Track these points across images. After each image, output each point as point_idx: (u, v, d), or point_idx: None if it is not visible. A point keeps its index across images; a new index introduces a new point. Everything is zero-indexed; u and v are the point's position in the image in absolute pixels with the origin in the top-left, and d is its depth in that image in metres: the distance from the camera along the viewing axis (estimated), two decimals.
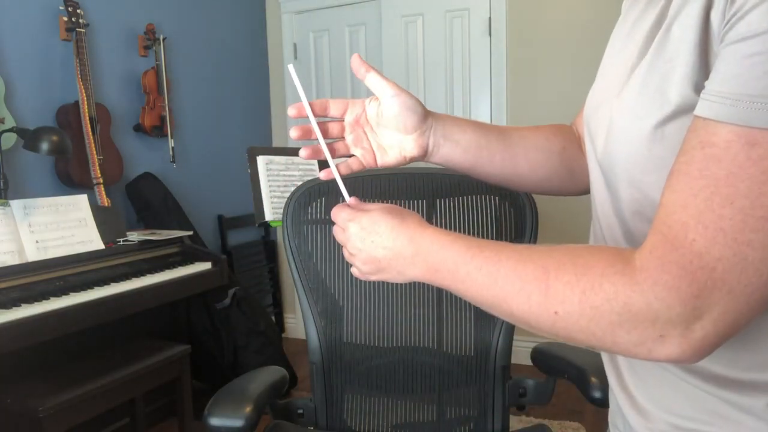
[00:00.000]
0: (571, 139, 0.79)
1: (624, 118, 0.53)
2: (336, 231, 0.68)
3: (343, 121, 0.71)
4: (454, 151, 0.72)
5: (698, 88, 0.46)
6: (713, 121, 0.43)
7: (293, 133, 0.66)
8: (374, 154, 0.71)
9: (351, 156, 0.72)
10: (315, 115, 0.69)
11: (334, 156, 0.70)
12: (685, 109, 0.47)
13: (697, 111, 0.44)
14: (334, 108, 0.70)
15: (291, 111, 0.67)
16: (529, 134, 0.77)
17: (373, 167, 0.72)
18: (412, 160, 0.71)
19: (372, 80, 0.67)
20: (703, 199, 0.43)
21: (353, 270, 0.67)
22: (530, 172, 0.76)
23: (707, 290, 0.42)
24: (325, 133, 0.70)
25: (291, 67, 0.66)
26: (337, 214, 0.67)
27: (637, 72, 0.53)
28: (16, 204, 1.84)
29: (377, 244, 0.62)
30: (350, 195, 0.70)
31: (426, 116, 0.69)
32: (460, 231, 1.22)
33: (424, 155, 0.71)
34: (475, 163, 0.73)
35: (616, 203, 0.58)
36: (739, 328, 0.44)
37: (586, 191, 0.80)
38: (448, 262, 0.57)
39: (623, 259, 0.46)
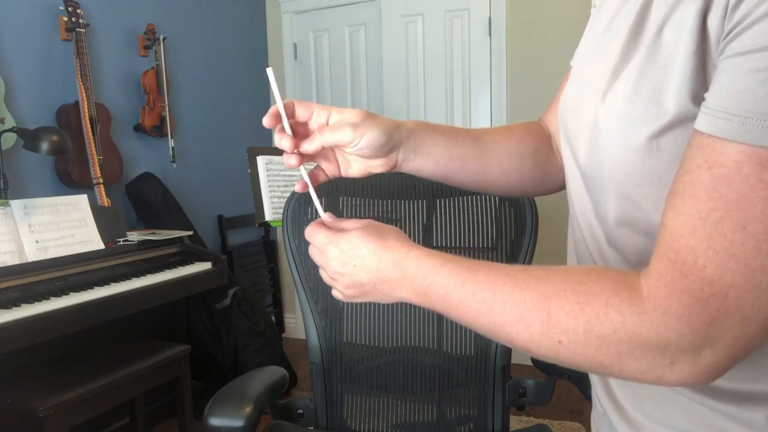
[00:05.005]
0: (542, 140, 0.77)
1: (613, 127, 0.50)
2: (313, 253, 0.64)
3: (307, 124, 0.66)
4: (425, 163, 0.69)
5: (697, 97, 0.44)
6: (720, 138, 0.40)
7: (285, 143, 0.62)
8: (338, 165, 0.68)
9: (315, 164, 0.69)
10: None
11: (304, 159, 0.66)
12: (682, 120, 0.45)
13: (700, 126, 0.42)
14: (299, 111, 0.65)
15: (266, 121, 0.62)
16: (501, 139, 0.74)
17: (338, 177, 0.69)
18: (378, 173, 0.68)
19: (328, 139, 0.62)
20: (713, 222, 0.40)
21: (335, 293, 0.63)
22: (503, 177, 0.74)
23: (720, 318, 0.41)
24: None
25: (270, 71, 0.62)
26: (313, 235, 0.63)
27: (625, 76, 0.50)
28: (16, 204, 1.84)
29: (360, 267, 0.59)
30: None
31: (393, 136, 0.65)
32: (460, 231, 1.22)
33: (391, 169, 0.68)
34: (446, 174, 0.71)
35: (600, 210, 0.56)
36: (751, 351, 0.43)
37: (558, 190, 0.78)
38: (438, 287, 0.54)
39: (628, 287, 0.44)
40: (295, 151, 0.63)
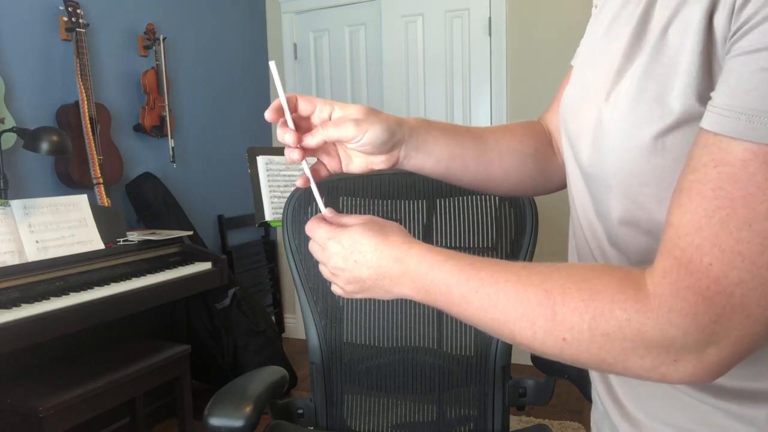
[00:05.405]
0: (543, 139, 0.77)
1: (618, 127, 0.51)
2: (314, 248, 0.63)
3: (309, 118, 0.66)
4: (426, 161, 0.69)
5: (702, 97, 0.44)
6: (726, 137, 0.41)
7: (288, 137, 0.62)
8: (340, 160, 0.68)
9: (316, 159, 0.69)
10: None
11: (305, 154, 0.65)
12: (687, 119, 0.45)
13: (707, 125, 0.42)
14: (302, 105, 0.65)
15: (268, 115, 0.62)
16: (502, 138, 0.74)
17: (339, 172, 0.69)
18: (380, 169, 0.68)
19: (331, 134, 0.63)
20: (719, 220, 0.41)
21: (335, 288, 0.63)
22: (504, 177, 0.74)
23: (725, 315, 0.41)
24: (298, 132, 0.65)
25: (272, 64, 0.62)
26: (314, 230, 0.62)
27: (629, 76, 0.50)
28: (16, 204, 1.84)
29: (360, 263, 0.58)
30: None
31: (395, 132, 0.65)
32: (460, 231, 1.22)
33: (393, 166, 0.68)
34: (447, 172, 0.71)
35: (602, 209, 0.56)
36: (755, 348, 0.43)
37: (557, 189, 0.78)
38: (440, 283, 0.53)
39: (633, 284, 0.44)
40: (298, 145, 0.63)
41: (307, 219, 1.21)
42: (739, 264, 0.40)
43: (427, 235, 1.23)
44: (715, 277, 0.41)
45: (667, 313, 0.42)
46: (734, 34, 0.41)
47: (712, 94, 0.43)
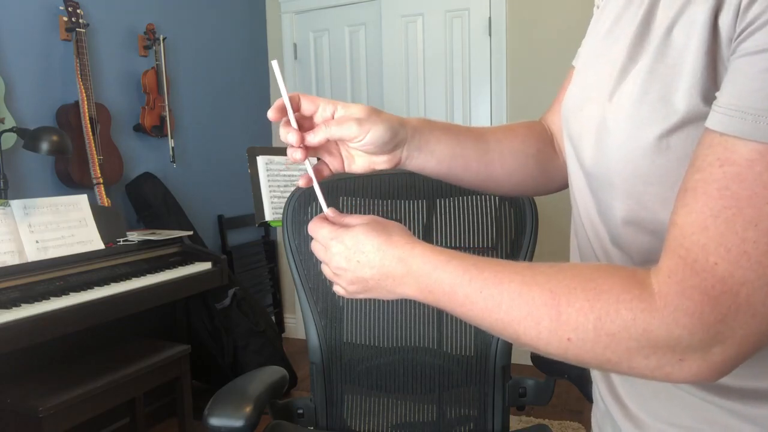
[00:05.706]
0: (545, 140, 0.77)
1: (621, 128, 0.51)
2: (316, 248, 0.63)
3: (312, 118, 0.65)
4: (428, 161, 0.69)
5: (707, 97, 0.44)
6: (732, 137, 0.41)
7: (291, 137, 0.62)
8: (342, 160, 0.68)
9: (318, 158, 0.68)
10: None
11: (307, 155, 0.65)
12: (692, 119, 0.45)
13: (712, 125, 0.42)
14: (305, 105, 0.64)
15: (271, 114, 0.62)
16: (504, 138, 0.74)
17: (341, 172, 0.69)
18: (382, 169, 0.68)
19: (334, 133, 0.62)
20: (725, 220, 0.41)
21: (337, 288, 0.62)
22: (505, 177, 0.74)
23: (731, 315, 0.41)
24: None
25: (275, 64, 0.62)
26: (316, 229, 0.62)
27: (633, 77, 0.50)
28: (16, 204, 1.84)
29: (363, 263, 0.58)
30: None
31: (398, 132, 0.65)
32: (460, 231, 1.22)
33: (395, 166, 0.68)
34: (449, 172, 0.71)
35: (605, 210, 0.56)
36: (760, 347, 0.43)
37: (559, 189, 0.78)
38: (444, 284, 0.53)
39: (639, 284, 0.44)
40: (301, 145, 0.63)
41: (308, 219, 1.22)
42: (745, 263, 0.40)
43: (427, 235, 1.23)
44: (720, 277, 0.41)
45: (673, 312, 0.42)
46: (740, 34, 0.41)
47: (717, 94, 0.43)
